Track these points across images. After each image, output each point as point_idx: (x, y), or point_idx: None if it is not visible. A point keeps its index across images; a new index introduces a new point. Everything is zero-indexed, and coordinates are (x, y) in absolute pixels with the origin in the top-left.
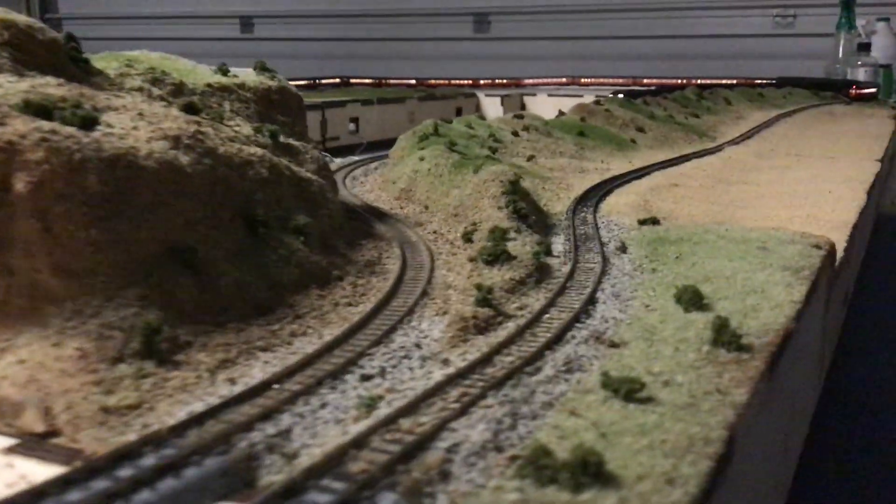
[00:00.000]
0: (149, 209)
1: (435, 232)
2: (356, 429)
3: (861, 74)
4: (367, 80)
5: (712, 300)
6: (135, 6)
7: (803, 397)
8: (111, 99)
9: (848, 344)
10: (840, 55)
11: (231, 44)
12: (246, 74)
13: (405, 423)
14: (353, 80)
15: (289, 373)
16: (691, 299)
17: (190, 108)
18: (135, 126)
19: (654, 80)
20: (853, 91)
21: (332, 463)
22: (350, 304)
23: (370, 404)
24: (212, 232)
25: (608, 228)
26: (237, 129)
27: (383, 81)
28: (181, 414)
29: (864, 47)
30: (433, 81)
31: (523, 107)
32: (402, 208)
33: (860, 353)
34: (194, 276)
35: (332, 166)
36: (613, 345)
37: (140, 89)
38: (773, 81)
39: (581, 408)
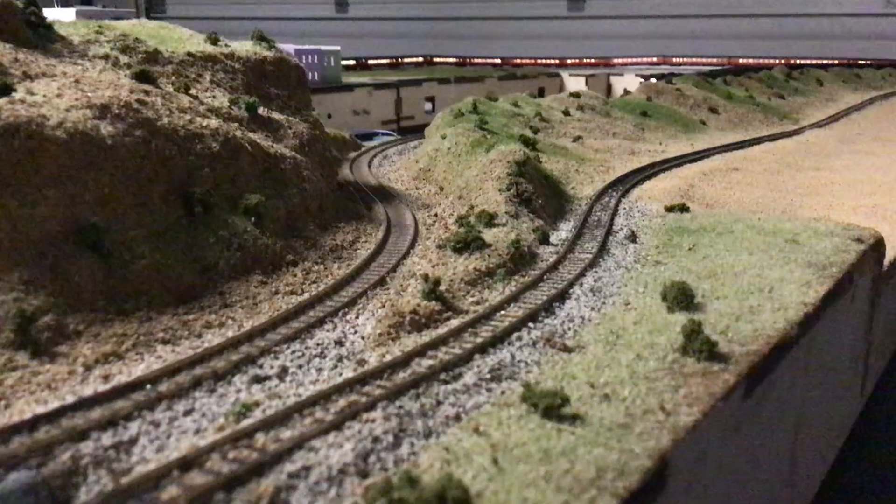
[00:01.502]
0: (51, 183)
1: (436, 215)
2: (207, 442)
3: None
4: (450, 59)
5: (707, 299)
6: None
7: (824, 415)
8: (55, 65)
9: None
10: None
11: (325, 23)
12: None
13: (262, 438)
14: (436, 59)
15: (171, 371)
16: (678, 298)
17: (143, 77)
18: (59, 94)
19: (752, 60)
20: None
21: (143, 487)
22: (292, 293)
23: (242, 412)
24: (132, 210)
25: (629, 215)
26: (209, 99)
27: (467, 60)
28: (29, 415)
29: None
30: (519, 61)
31: (609, 87)
32: (417, 188)
33: None
34: (101, 258)
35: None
36: (566, 349)
37: (106, 57)
38: None
39: (491, 424)
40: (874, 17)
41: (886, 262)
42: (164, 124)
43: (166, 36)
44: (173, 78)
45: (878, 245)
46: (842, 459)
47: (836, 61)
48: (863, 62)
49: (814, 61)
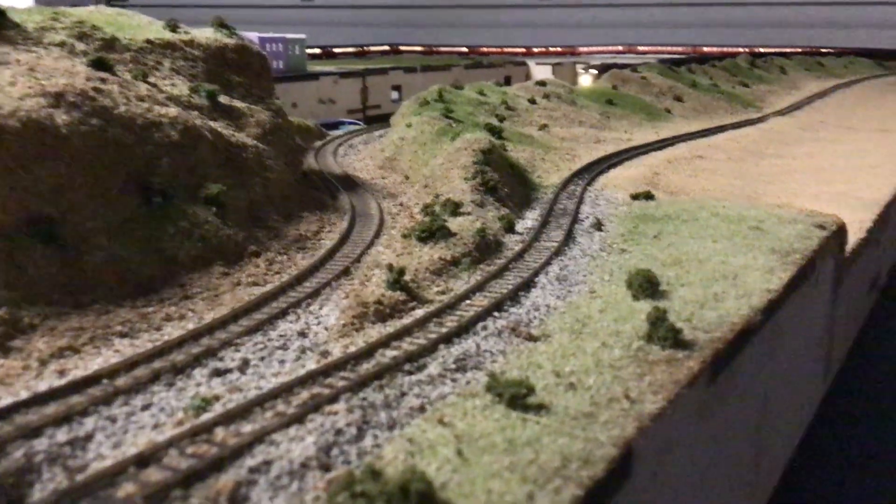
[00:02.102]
0: (3, 173)
1: (402, 204)
2: (165, 438)
3: None
4: (417, 48)
5: (672, 287)
6: None
7: (789, 400)
8: (8, 53)
9: (875, 334)
10: None
11: (290, 11)
12: (201, 32)
13: (221, 432)
14: (402, 48)
15: (129, 365)
16: (643, 286)
17: (99, 64)
18: (12, 82)
19: (716, 49)
20: None
21: (99, 484)
22: (255, 284)
23: (202, 406)
24: (88, 201)
25: (595, 204)
26: (168, 87)
27: (433, 49)
28: None
29: None
30: (485, 49)
31: (576, 75)
32: (382, 178)
33: (890, 343)
34: (56, 250)
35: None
36: (531, 338)
37: (62, 44)
38: None
39: (455, 415)
40: (836, 6)
41: (848, 248)
42: (122, 112)
43: (125, 23)
44: (131, 65)
45: (841, 231)
46: (807, 441)
47: (800, 49)
48: (825, 50)
49: (777, 49)
